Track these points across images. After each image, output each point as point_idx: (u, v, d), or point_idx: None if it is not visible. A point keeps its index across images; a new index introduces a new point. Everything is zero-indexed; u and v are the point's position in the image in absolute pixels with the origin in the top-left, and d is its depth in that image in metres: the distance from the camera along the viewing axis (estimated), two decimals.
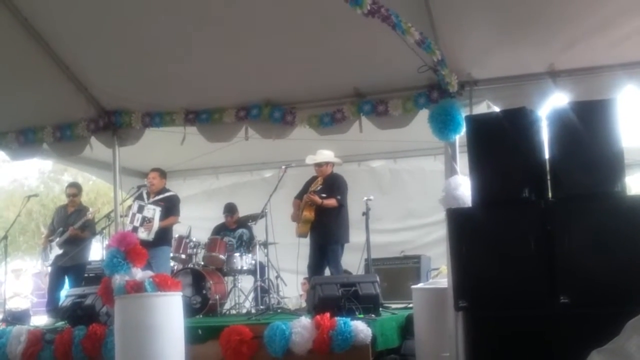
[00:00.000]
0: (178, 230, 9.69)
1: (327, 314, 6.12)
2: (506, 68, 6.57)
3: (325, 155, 9.16)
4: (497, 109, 6.48)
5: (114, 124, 8.07)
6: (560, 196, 4.90)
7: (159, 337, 5.85)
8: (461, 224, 5.14)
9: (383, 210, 10.04)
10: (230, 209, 10.26)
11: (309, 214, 8.93)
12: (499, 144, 5.08)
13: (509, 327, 4.73)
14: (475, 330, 4.92)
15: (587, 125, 4.83)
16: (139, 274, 6.31)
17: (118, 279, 6.22)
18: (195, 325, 6.68)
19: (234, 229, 9.98)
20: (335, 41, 6.62)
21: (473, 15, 6.07)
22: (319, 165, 9.16)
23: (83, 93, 7.82)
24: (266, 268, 9.14)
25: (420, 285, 7.20)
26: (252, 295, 9.05)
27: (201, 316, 8.27)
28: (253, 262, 9.05)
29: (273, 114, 7.47)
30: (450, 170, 6.53)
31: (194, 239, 9.32)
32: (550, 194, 4.96)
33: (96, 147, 8.33)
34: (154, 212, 9.09)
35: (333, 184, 9.06)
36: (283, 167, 9.10)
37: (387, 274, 9.11)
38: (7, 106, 8.03)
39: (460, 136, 6.48)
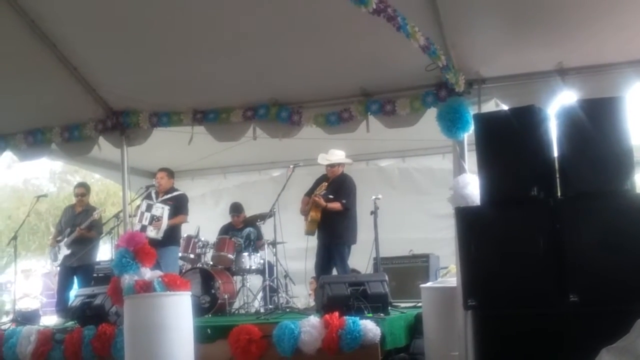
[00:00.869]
0: (187, 230, 9.70)
1: (336, 313, 6.11)
2: (514, 66, 6.55)
3: (338, 155, 9.15)
4: (505, 107, 6.46)
5: (122, 124, 8.09)
6: (569, 194, 4.89)
7: (168, 337, 5.86)
8: (470, 222, 5.13)
9: (391, 209, 10.02)
10: (235, 209, 10.27)
11: (315, 215, 8.94)
12: (508, 142, 5.07)
13: (518, 325, 4.73)
14: (484, 329, 4.92)
15: (595, 123, 4.82)
16: (148, 273, 6.32)
17: (127, 279, 6.23)
18: (204, 324, 6.69)
19: (241, 229, 9.99)
20: (342, 41, 6.61)
21: (481, 13, 6.05)
22: (330, 165, 9.16)
23: (91, 94, 7.85)
24: (275, 267, 9.14)
25: (429, 284, 7.20)
26: (260, 294, 9.05)
27: (210, 315, 8.28)
28: (261, 261, 9.05)
29: (280, 114, 7.48)
30: (459, 169, 6.52)
31: (203, 239, 9.33)
32: (559, 192, 4.95)
33: (104, 147, 8.37)
34: (162, 210, 9.10)
35: (341, 187, 9.06)
36: (291, 166, 9.09)
37: (396, 272, 9.08)
38: (15, 107, 8.06)
39: (468, 134, 6.47)
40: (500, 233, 4.92)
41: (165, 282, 6.11)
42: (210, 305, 8.38)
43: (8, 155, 8.92)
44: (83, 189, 10.19)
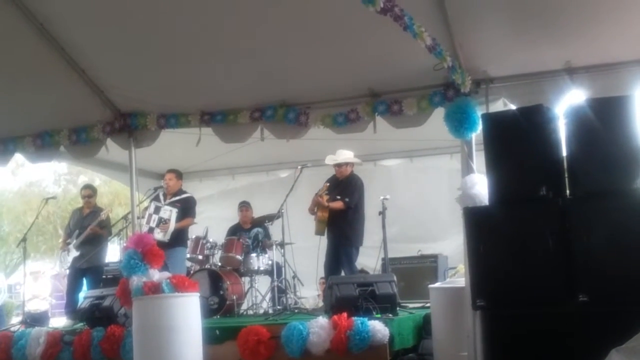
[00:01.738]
0: (195, 231, 9.71)
1: (345, 314, 6.12)
2: (522, 65, 6.54)
3: (345, 155, 9.14)
4: (513, 107, 6.45)
5: (129, 126, 8.12)
6: (578, 194, 4.86)
7: (176, 338, 5.87)
8: (478, 222, 5.12)
9: (399, 209, 10.02)
10: (244, 203, 10.31)
11: (322, 215, 8.95)
12: (516, 142, 5.06)
13: (527, 326, 4.71)
14: (493, 329, 4.90)
15: (604, 122, 4.80)
16: (156, 275, 6.32)
17: (136, 281, 6.23)
18: (212, 325, 6.70)
19: (249, 229, 9.99)
20: (349, 41, 6.61)
21: (488, 12, 6.05)
22: (338, 165, 9.14)
23: (99, 96, 7.88)
24: (283, 268, 9.14)
25: (437, 284, 7.18)
26: (269, 295, 9.05)
27: (218, 317, 8.28)
28: (270, 262, 9.06)
29: (287, 115, 7.49)
30: (467, 169, 6.51)
31: (211, 240, 9.33)
32: (568, 192, 4.93)
33: (113, 149, 8.39)
34: (170, 213, 9.10)
35: (347, 187, 9.06)
36: (299, 167, 9.09)
37: (404, 273, 9.07)
38: (23, 110, 8.09)
39: (476, 134, 6.46)
40: (509, 233, 4.91)
41: (173, 283, 6.12)
42: (219, 307, 8.38)
43: (15, 158, 8.94)
44: (90, 191, 10.21)
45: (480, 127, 6.02)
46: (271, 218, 9.34)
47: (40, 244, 24.42)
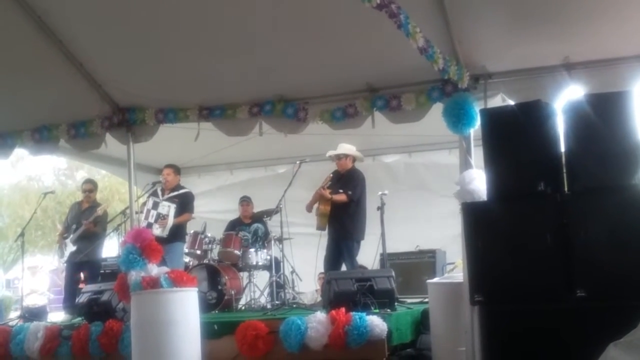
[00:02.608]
0: (193, 226, 9.71)
1: (343, 309, 6.12)
2: (521, 61, 6.53)
3: (344, 148, 9.13)
4: (512, 102, 6.44)
5: (128, 121, 8.11)
6: (576, 189, 4.87)
7: (175, 333, 5.88)
8: (476, 218, 5.13)
9: (398, 204, 10.02)
10: (245, 197, 10.31)
11: (324, 208, 8.92)
12: (514, 138, 5.06)
13: (525, 321, 4.72)
14: (491, 325, 4.91)
15: (602, 118, 4.81)
16: (154, 270, 6.32)
17: (134, 275, 6.24)
18: (211, 320, 6.71)
19: (249, 224, 9.99)
20: (347, 36, 6.60)
21: (487, 8, 6.04)
22: (338, 158, 9.12)
23: (97, 90, 7.86)
24: (281, 263, 9.14)
25: (435, 279, 7.18)
26: (267, 290, 9.06)
27: (217, 311, 8.29)
28: (268, 257, 9.06)
29: (286, 110, 7.48)
30: (465, 164, 6.51)
31: (209, 235, 9.34)
32: (566, 187, 4.93)
33: (111, 144, 8.38)
34: (168, 208, 9.11)
35: (349, 180, 9.04)
36: (297, 162, 9.09)
37: (403, 268, 9.07)
38: (21, 104, 8.07)
39: (474, 130, 6.46)
40: (507, 228, 4.91)
41: (172, 278, 6.13)
42: (217, 301, 8.39)
43: (15, 152, 8.92)
44: (91, 185, 10.21)
45: (478, 123, 6.03)
46: (269, 213, 9.34)
47: (38, 239, 24.43)
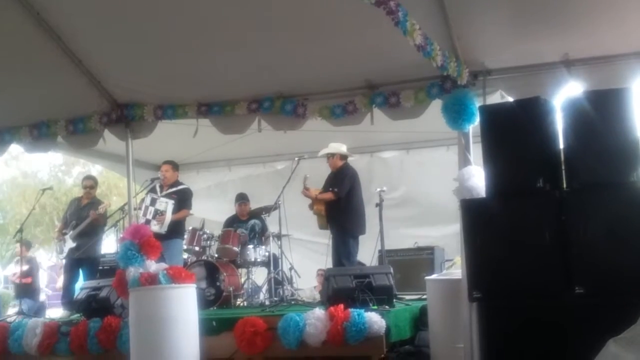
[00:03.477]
0: (191, 223, 9.71)
1: (341, 306, 6.12)
2: (520, 57, 6.53)
3: (331, 147, 9.17)
4: (510, 99, 6.45)
5: (126, 117, 8.11)
6: (575, 186, 4.87)
7: (173, 329, 5.88)
8: (475, 214, 5.13)
9: (396, 201, 10.03)
10: (242, 196, 10.28)
11: (318, 209, 9.02)
12: (513, 134, 5.06)
13: (523, 317, 4.72)
14: (489, 321, 4.91)
15: (601, 115, 4.81)
16: (153, 266, 6.32)
17: (132, 272, 6.24)
18: (209, 317, 6.70)
19: (246, 220, 9.98)
20: (346, 33, 6.60)
21: (487, 4, 6.04)
22: (326, 157, 9.19)
23: (96, 86, 7.86)
24: (280, 260, 9.14)
25: (434, 276, 7.19)
26: (265, 287, 9.06)
27: (215, 308, 8.29)
28: (266, 254, 9.06)
29: (285, 107, 7.48)
30: (464, 161, 6.51)
31: (208, 231, 9.33)
32: (565, 184, 4.93)
33: (109, 140, 8.38)
34: (166, 205, 9.10)
35: (336, 177, 9.10)
36: (296, 158, 9.08)
37: (401, 265, 9.08)
38: (20, 100, 8.07)
39: (473, 126, 6.46)
40: (505, 225, 4.92)
41: (170, 274, 6.13)
42: (216, 298, 8.39)
43: (12, 149, 8.92)
44: (92, 182, 10.19)
45: (477, 119, 6.02)
46: (268, 210, 9.34)
47: (37, 235, 24.42)
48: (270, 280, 8.85)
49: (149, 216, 9.04)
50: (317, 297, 8.87)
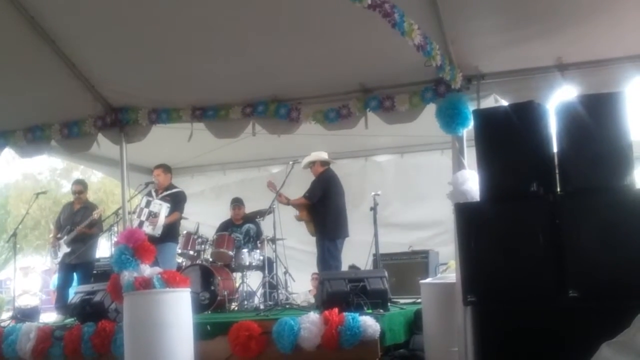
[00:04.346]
0: (186, 227, 9.70)
1: (336, 310, 6.12)
2: (514, 61, 6.55)
3: (312, 155, 9.31)
4: (504, 103, 6.45)
5: (120, 121, 8.10)
6: (568, 190, 4.87)
7: (167, 333, 5.86)
8: (469, 218, 5.12)
9: (390, 205, 10.03)
10: (237, 200, 10.31)
11: (300, 215, 9.29)
12: (507, 138, 5.05)
13: (517, 321, 4.72)
14: (483, 325, 4.91)
15: (595, 119, 4.80)
16: (147, 270, 6.31)
17: (127, 276, 6.22)
18: (203, 321, 6.69)
19: (241, 225, 9.98)
20: (340, 37, 6.61)
21: (480, 9, 6.05)
22: (310, 167, 9.38)
23: (90, 90, 7.85)
24: (274, 264, 9.14)
25: (428, 280, 7.18)
26: (260, 291, 9.05)
27: (210, 312, 8.28)
28: (261, 258, 9.06)
29: (279, 111, 7.48)
30: (458, 165, 6.52)
31: (202, 235, 9.32)
32: (558, 188, 4.93)
33: (104, 144, 8.36)
34: (160, 207, 9.08)
35: (312, 183, 9.29)
36: (290, 162, 9.09)
37: (396, 269, 9.07)
38: (14, 104, 8.05)
39: (467, 130, 6.47)
40: (499, 229, 4.90)
41: (164, 278, 6.12)
42: (210, 302, 8.38)
43: (6, 152, 8.89)
44: (80, 186, 10.16)
45: (471, 123, 6.03)
46: (262, 214, 9.35)
47: (33, 239, 24.37)
48: (264, 284, 8.85)
49: (143, 218, 9.02)
50: (312, 301, 8.86)
